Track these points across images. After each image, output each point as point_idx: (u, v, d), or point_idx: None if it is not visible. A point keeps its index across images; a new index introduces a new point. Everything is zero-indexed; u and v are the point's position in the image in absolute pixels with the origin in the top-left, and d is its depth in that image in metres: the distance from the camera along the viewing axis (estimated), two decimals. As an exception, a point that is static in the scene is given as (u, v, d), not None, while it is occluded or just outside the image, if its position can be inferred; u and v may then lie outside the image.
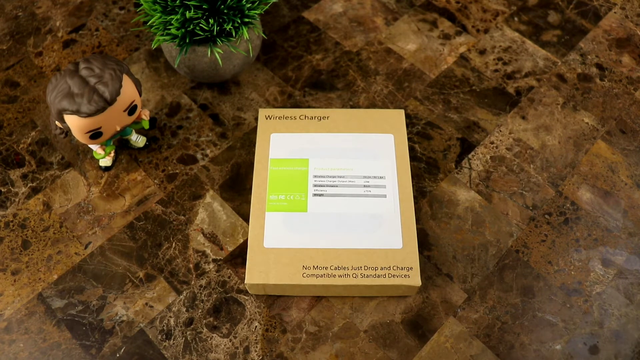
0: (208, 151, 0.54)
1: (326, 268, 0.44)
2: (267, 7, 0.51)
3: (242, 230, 0.49)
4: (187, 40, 0.50)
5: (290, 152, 0.50)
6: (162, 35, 0.50)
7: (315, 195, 0.48)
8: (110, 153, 0.51)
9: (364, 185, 0.48)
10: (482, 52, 0.61)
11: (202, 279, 0.47)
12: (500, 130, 0.56)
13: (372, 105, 0.57)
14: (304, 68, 0.60)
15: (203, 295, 0.46)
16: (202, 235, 0.49)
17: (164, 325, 0.45)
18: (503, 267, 0.48)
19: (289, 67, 0.60)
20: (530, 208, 0.51)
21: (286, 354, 0.44)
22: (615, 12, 0.65)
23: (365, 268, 0.44)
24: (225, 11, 0.49)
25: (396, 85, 0.58)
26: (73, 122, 0.44)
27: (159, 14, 0.49)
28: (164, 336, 0.44)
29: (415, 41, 0.62)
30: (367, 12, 0.64)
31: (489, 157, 0.54)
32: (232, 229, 0.49)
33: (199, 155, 0.53)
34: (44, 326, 0.45)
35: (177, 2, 0.48)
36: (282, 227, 0.46)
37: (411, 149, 0.54)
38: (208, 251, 0.48)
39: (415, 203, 0.51)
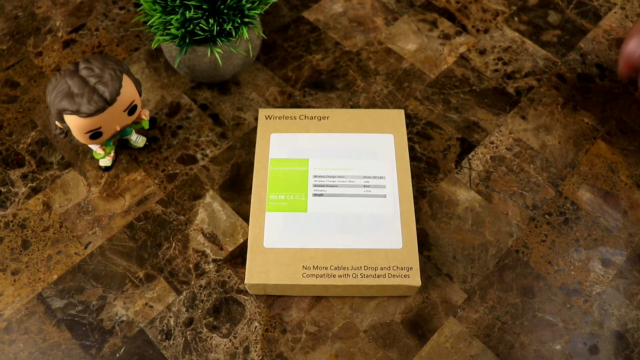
0: (208, 151, 0.54)
1: (326, 268, 0.44)
2: (267, 7, 0.51)
3: (242, 230, 0.49)
4: (187, 40, 0.50)
5: (290, 152, 0.50)
6: (162, 35, 0.50)
7: (315, 195, 0.48)
8: (110, 153, 0.51)
9: (364, 185, 0.48)
10: (482, 52, 0.61)
11: (202, 279, 0.47)
12: (500, 130, 0.56)
13: (372, 105, 0.57)
14: (304, 68, 0.60)
15: (203, 295, 0.46)
16: (202, 235, 0.49)
17: (163, 325, 0.45)
18: (503, 267, 0.48)
19: (289, 67, 0.60)
20: (530, 208, 0.51)
21: (286, 354, 0.44)
22: (615, 12, 0.65)
23: (365, 268, 0.44)
24: (225, 11, 0.49)
25: (396, 85, 0.58)
26: (73, 122, 0.44)
27: (159, 14, 0.49)
28: (164, 336, 0.44)
29: (415, 41, 0.62)
30: (367, 12, 0.64)
31: (489, 157, 0.54)
32: (232, 229, 0.49)
33: (199, 155, 0.53)
34: (44, 326, 0.45)
35: (177, 2, 0.48)
36: (282, 227, 0.46)
37: (411, 149, 0.54)
38: (208, 251, 0.48)
39: (415, 203, 0.51)
